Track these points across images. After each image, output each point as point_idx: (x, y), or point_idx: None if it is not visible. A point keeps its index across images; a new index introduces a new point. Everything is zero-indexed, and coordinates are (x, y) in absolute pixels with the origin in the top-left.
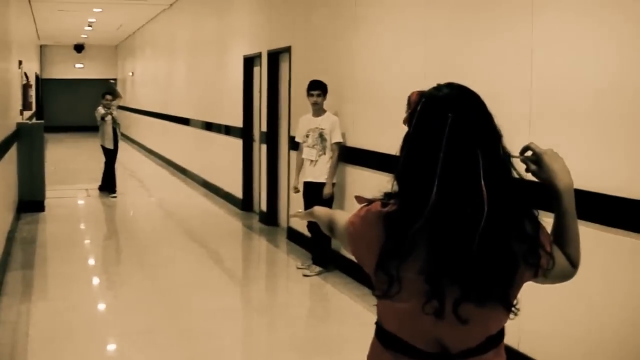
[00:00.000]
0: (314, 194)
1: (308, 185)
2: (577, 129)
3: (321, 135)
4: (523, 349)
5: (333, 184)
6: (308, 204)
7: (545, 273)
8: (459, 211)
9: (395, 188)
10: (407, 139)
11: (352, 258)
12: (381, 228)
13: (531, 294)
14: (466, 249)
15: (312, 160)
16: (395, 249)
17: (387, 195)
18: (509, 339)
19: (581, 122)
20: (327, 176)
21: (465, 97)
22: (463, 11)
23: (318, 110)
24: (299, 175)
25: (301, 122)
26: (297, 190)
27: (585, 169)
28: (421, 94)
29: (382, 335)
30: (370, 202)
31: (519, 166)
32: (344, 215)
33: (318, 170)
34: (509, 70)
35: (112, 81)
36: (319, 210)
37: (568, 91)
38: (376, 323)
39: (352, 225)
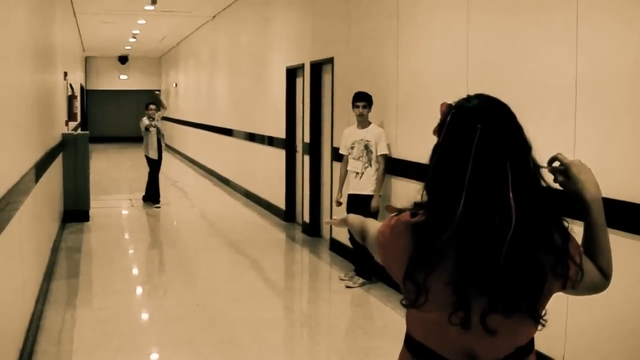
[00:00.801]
0: (359, 206)
1: (353, 198)
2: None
3: (366, 147)
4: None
5: (379, 197)
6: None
7: (574, 284)
8: (486, 223)
9: (425, 198)
10: (436, 149)
11: None
12: (410, 238)
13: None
14: (493, 260)
15: (357, 173)
16: (423, 259)
17: (417, 205)
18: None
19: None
20: (373, 188)
21: (495, 108)
22: (505, 19)
23: (363, 122)
24: (342, 187)
25: (345, 133)
26: (339, 204)
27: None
28: (450, 105)
29: (411, 345)
30: (400, 211)
31: (548, 177)
32: (376, 224)
33: (364, 182)
34: (553, 78)
35: (157, 92)
36: (353, 218)
37: (611, 96)
38: (406, 333)
39: (382, 234)
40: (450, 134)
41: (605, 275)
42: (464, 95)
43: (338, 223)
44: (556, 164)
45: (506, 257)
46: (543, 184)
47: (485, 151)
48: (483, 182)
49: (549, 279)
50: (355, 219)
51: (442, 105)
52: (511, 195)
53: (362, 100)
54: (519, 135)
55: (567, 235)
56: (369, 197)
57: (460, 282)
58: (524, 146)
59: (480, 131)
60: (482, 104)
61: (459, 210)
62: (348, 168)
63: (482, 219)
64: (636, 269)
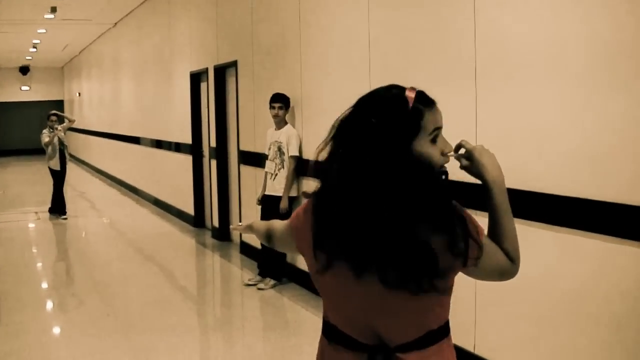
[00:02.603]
0: (271, 207)
1: (267, 199)
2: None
3: (280, 149)
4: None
5: (293, 198)
6: (265, 217)
7: (476, 263)
8: (359, 196)
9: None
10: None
11: (304, 268)
12: (312, 211)
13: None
14: (371, 233)
15: (271, 174)
16: (320, 226)
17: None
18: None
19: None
20: (283, 193)
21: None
22: (405, 15)
23: (279, 123)
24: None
25: (267, 135)
26: (259, 203)
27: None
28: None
29: (326, 329)
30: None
31: (454, 164)
32: (282, 222)
33: (277, 183)
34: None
35: (54, 115)
36: (258, 223)
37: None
38: (322, 318)
39: (297, 216)
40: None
41: (512, 259)
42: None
43: (244, 229)
44: (462, 151)
45: (384, 234)
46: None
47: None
48: (356, 165)
49: (445, 257)
50: (259, 224)
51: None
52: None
53: (278, 101)
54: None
55: (462, 217)
56: (278, 198)
57: (351, 254)
58: (405, 134)
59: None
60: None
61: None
62: (265, 169)
63: (356, 193)
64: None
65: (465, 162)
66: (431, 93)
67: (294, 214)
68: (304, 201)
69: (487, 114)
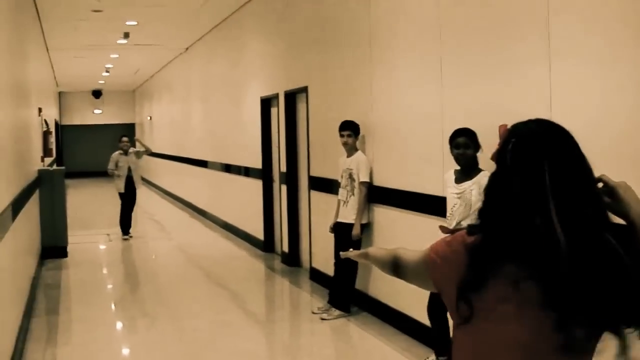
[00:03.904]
0: (344, 234)
1: (339, 226)
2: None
3: (350, 176)
4: None
5: (365, 225)
6: (338, 245)
7: None
8: (592, 259)
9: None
10: (497, 178)
11: (378, 297)
12: (464, 255)
13: None
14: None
15: (343, 201)
16: (477, 278)
17: (471, 227)
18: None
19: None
20: (356, 219)
21: (559, 139)
22: (478, 51)
23: (350, 150)
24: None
25: (339, 163)
26: (331, 230)
27: None
28: (510, 132)
29: None
30: (453, 232)
31: None
32: (414, 251)
33: (348, 211)
34: (527, 109)
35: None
36: (374, 250)
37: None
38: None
39: (436, 252)
40: (515, 167)
41: None
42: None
43: (357, 256)
44: (599, 184)
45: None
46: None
47: (559, 188)
48: (570, 218)
49: None
50: (379, 251)
51: (500, 127)
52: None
53: (347, 129)
54: (584, 168)
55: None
56: (350, 225)
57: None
58: (590, 179)
59: (549, 170)
60: (546, 135)
61: (562, 248)
62: (338, 196)
63: (584, 253)
64: None
65: (607, 199)
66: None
67: (434, 247)
68: (443, 235)
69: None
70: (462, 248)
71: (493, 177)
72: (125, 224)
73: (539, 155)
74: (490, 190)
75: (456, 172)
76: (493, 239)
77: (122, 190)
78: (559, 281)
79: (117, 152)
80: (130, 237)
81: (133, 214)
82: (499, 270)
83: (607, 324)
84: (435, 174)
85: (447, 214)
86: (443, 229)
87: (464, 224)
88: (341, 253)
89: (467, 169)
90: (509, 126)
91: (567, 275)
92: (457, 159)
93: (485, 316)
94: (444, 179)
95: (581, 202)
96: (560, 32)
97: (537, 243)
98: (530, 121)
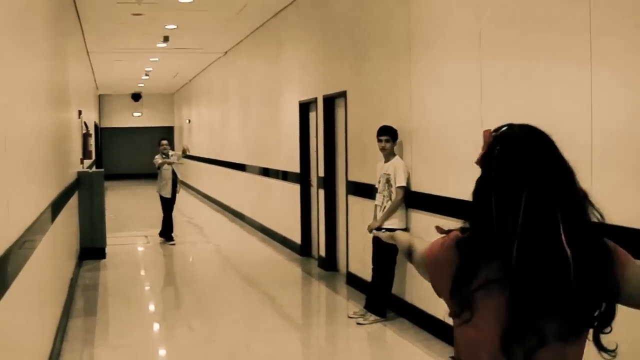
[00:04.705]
0: (381, 240)
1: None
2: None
3: (388, 181)
4: None
5: (405, 229)
6: (376, 250)
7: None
8: (542, 268)
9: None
10: (482, 182)
11: (414, 303)
12: (455, 253)
13: None
14: (558, 298)
15: (380, 206)
16: (467, 271)
17: (463, 229)
18: None
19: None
20: (393, 222)
21: (541, 144)
22: (519, 54)
23: (387, 156)
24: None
25: (377, 168)
26: (370, 231)
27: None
28: (495, 138)
29: None
30: (448, 232)
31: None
32: (423, 243)
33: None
34: (568, 113)
35: (165, 140)
36: (401, 235)
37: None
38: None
39: (431, 251)
40: (498, 173)
41: None
42: (505, 124)
43: (387, 237)
44: None
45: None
46: (593, 218)
47: (536, 198)
48: (534, 227)
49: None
50: (403, 236)
51: (485, 132)
52: (564, 239)
53: (384, 134)
54: (564, 170)
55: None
56: (389, 230)
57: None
58: (569, 179)
59: (529, 175)
60: (528, 140)
61: (513, 258)
62: (375, 202)
63: (537, 264)
64: None
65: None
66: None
67: (430, 246)
68: (439, 236)
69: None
70: (454, 246)
71: (479, 181)
72: (169, 228)
73: (521, 161)
74: (476, 194)
75: None
76: (478, 239)
77: (169, 196)
78: (510, 281)
79: (158, 155)
80: (174, 244)
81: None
82: (484, 268)
83: (572, 324)
84: (473, 179)
85: None
86: (439, 229)
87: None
88: (374, 231)
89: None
90: (492, 131)
91: (515, 275)
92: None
93: (475, 313)
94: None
95: (552, 203)
96: (602, 33)
97: (506, 243)
98: (514, 126)
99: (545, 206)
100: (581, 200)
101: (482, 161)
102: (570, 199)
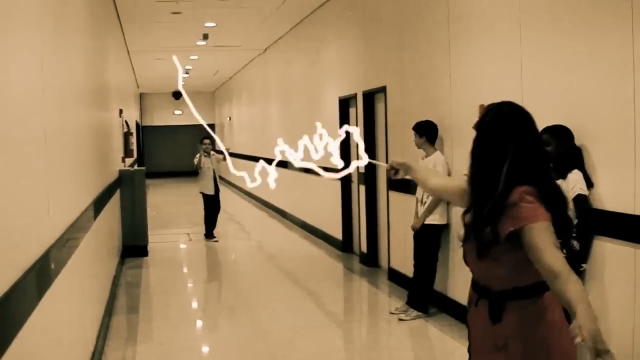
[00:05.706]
0: (423, 234)
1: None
2: None
3: None
4: None
5: (445, 226)
6: (418, 245)
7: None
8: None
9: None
10: (476, 142)
11: (456, 298)
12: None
13: None
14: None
15: (420, 201)
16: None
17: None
18: None
19: None
20: (434, 217)
21: (522, 118)
22: (560, 42)
23: (426, 151)
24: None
25: (418, 163)
26: (413, 229)
27: None
28: (487, 110)
29: (472, 280)
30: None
31: None
32: (447, 178)
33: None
34: (609, 101)
35: (208, 139)
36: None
37: None
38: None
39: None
40: (487, 135)
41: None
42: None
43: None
44: None
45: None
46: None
47: (515, 155)
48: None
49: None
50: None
51: (480, 106)
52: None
53: (414, 130)
54: (537, 140)
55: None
56: (431, 226)
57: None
58: (540, 147)
59: (513, 142)
60: (513, 115)
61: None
62: (416, 195)
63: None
64: None
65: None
66: None
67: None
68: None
69: None
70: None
71: (475, 141)
72: (212, 226)
73: (507, 129)
74: (473, 150)
75: None
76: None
77: (212, 192)
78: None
79: (199, 154)
80: (216, 240)
81: None
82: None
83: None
84: None
85: None
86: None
87: None
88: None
89: None
90: (485, 105)
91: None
92: None
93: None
94: None
95: (528, 163)
96: None
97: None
98: (503, 103)
99: (524, 160)
100: (548, 169)
101: (478, 127)
102: (541, 157)
